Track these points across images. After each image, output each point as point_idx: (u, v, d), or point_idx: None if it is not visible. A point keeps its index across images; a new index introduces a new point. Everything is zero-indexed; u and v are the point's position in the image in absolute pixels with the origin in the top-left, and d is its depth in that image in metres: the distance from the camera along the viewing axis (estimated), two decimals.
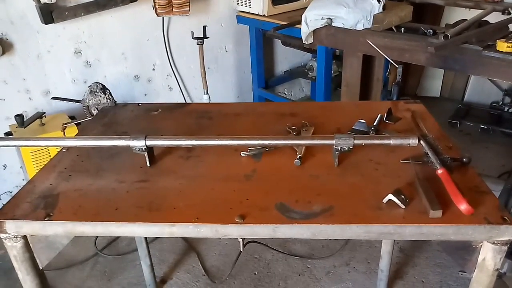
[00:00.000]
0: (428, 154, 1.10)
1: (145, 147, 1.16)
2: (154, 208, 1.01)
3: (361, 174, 1.11)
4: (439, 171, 1.03)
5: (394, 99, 1.58)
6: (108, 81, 2.86)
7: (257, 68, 3.52)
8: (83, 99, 1.61)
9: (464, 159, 1.12)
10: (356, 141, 1.11)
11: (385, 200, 0.98)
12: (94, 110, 1.62)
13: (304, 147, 1.21)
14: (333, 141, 1.12)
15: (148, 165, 1.18)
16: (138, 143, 1.15)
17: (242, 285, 2.10)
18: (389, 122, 1.40)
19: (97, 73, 2.80)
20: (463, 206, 0.93)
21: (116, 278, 2.19)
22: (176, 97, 3.24)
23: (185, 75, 3.25)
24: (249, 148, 1.21)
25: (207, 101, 3.08)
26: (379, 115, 1.40)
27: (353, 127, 1.35)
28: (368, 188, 1.05)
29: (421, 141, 1.12)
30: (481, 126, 3.45)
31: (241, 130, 1.39)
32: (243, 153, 1.21)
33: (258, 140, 1.16)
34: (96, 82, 1.61)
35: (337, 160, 1.14)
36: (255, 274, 2.17)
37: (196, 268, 2.22)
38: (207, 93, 3.06)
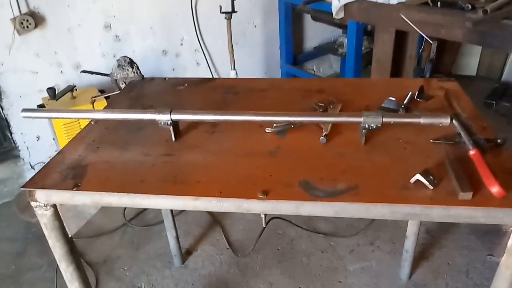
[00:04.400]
0: (460, 134, 1.06)
1: (171, 121, 1.16)
2: (178, 181, 1.02)
3: (389, 153, 1.08)
4: (471, 152, 0.99)
5: (427, 76, 1.51)
6: (137, 56, 2.87)
7: (286, 43, 3.46)
8: (111, 73, 1.63)
9: (499, 140, 1.07)
10: (384, 119, 1.08)
11: (412, 180, 0.95)
12: (122, 84, 1.64)
13: (330, 124, 1.18)
14: (361, 119, 1.09)
15: (173, 139, 1.19)
16: (163, 117, 1.16)
17: (265, 259, 2.13)
18: (421, 100, 1.35)
19: (126, 47, 2.82)
20: (495, 189, 0.89)
21: (143, 247, 2.26)
22: (203, 72, 3.24)
23: (212, 50, 3.24)
24: (274, 125, 1.20)
25: (234, 77, 3.06)
26: (410, 92, 1.35)
27: (382, 105, 1.31)
28: (395, 167, 1.03)
29: (454, 121, 1.07)
30: None
31: (267, 106, 1.37)
32: (267, 129, 1.20)
33: (283, 116, 1.14)
34: (124, 56, 1.62)
35: (364, 139, 1.12)
36: (278, 249, 2.18)
37: (221, 241, 2.26)
38: (234, 69, 3.04)
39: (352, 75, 3.00)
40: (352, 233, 2.24)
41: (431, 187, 0.94)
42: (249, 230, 2.31)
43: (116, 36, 2.76)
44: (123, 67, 1.61)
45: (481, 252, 2.05)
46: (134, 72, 1.61)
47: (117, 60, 1.62)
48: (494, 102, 3.39)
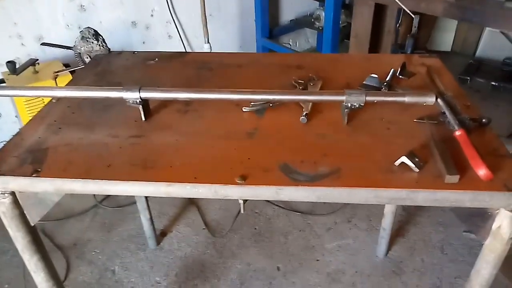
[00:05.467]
0: (444, 114, 1.02)
1: (140, 100, 1.07)
2: (148, 166, 0.94)
3: (372, 134, 1.04)
4: (457, 133, 0.95)
5: (408, 52, 1.46)
6: (104, 27, 2.72)
7: (261, 16, 3.35)
8: (74, 45, 1.51)
9: (484, 120, 1.04)
10: (368, 98, 1.03)
11: (397, 162, 0.91)
12: (87, 57, 1.52)
13: (311, 103, 1.12)
14: (343, 97, 1.03)
15: (143, 119, 1.10)
16: (132, 95, 1.07)
17: (242, 239, 2.09)
18: (403, 77, 1.30)
19: (92, 18, 2.65)
20: (482, 171, 0.86)
21: (116, 229, 2.18)
22: (176, 46, 3.10)
23: (185, 23, 3.10)
24: (252, 103, 1.13)
25: (208, 51, 2.95)
26: (392, 69, 1.30)
27: (364, 82, 1.26)
28: (379, 149, 0.98)
29: (439, 99, 1.03)
30: (492, 83, 3.33)
31: (244, 83, 1.30)
32: (245, 109, 1.13)
33: (262, 94, 1.07)
34: (88, 27, 1.49)
35: (346, 118, 1.06)
36: (255, 229, 2.15)
37: (196, 221, 2.20)
38: (208, 42, 2.93)
39: (329, 49, 2.94)
40: (330, 211, 2.23)
41: (417, 170, 0.90)
42: (226, 210, 2.26)
43: (81, 6, 2.59)
44: (87, 39, 1.48)
45: (456, 228, 2.08)
46: (99, 45, 1.49)
47: (80, 32, 1.49)
48: (468, 78, 3.41)
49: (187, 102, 1.17)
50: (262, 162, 0.94)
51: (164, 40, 3.06)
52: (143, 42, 2.96)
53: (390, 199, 0.88)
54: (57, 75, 1.58)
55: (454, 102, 1.07)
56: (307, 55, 1.57)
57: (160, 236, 2.12)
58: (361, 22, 2.31)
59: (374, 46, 2.45)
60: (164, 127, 1.09)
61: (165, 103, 1.17)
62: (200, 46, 3.11)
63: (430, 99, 1.02)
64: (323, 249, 2.02)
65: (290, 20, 3.76)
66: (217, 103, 1.15)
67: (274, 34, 3.58)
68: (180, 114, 1.14)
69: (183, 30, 3.11)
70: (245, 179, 0.89)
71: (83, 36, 1.49)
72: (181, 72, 1.38)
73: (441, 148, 0.94)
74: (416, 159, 0.91)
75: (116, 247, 2.08)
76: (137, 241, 2.10)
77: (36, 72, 2.26)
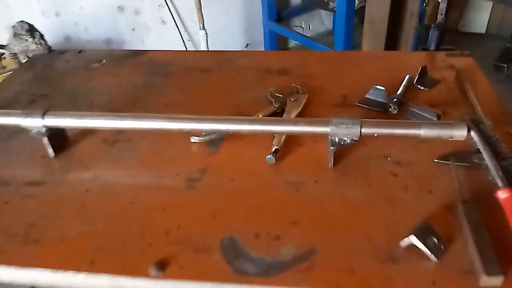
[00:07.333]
0: (480, 152, 0.68)
1: (45, 130, 0.77)
2: (32, 237, 0.64)
3: (369, 185, 0.70)
4: (501, 194, 0.61)
5: (432, 48, 1.10)
6: (86, 13, 2.42)
7: None
8: (7, 44, 1.21)
9: None
10: (364, 130, 0.69)
11: (403, 243, 0.58)
12: (24, 58, 1.23)
13: (283, 134, 0.79)
14: (328, 129, 0.70)
15: (51, 155, 0.80)
16: (33, 123, 0.76)
17: None
18: (422, 88, 0.95)
19: (72, 3, 2.36)
20: None
21: None
22: (170, 32, 2.78)
23: (180, 6, 2.75)
24: (204, 133, 0.81)
25: (204, 38, 2.61)
26: (407, 76, 0.95)
27: (366, 96, 0.91)
28: (378, 212, 0.65)
29: (472, 132, 0.68)
30: None
31: (203, 96, 0.98)
32: (193, 139, 0.81)
33: (211, 122, 0.74)
34: (21, 21, 1.20)
35: (332, 159, 0.73)
36: None
37: None
38: (204, 28, 2.58)
39: (342, 33, 2.55)
40: None
41: (434, 259, 0.56)
42: None
43: None
44: (21, 36, 1.19)
45: None
46: (36, 42, 1.19)
47: (12, 27, 1.20)
48: (505, 65, 2.95)
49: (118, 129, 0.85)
50: (198, 233, 0.63)
51: (157, 26, 2.74)
52: (133, 29, 2.65)
53: None
54: None
55: (495, 136, 0.71)
56: (297, 54, 1.23)
57: None
58: (377, 5, 1.93)
59: (394, 32, 2.06)
60: (78, 166, 0.78)
61: (89, 129, 0.86)
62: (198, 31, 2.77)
63: (460, 133, 0.68)
64: None
65: (302, 1, 3.36)
66: (157, 131, 0.83)
67: (283, 17, 3.20)
68: (106, 146, 0.83)
69: (178, 14, 2.77)
70: (164, 267, 0.58)
71: (15, 33, 1.19)
72: (129, 78, 1.06)
73: (475, 219, 0.60)
74: (434, 239, 0.58)
75: None
76: None
77: (3, 67, 2.00)
